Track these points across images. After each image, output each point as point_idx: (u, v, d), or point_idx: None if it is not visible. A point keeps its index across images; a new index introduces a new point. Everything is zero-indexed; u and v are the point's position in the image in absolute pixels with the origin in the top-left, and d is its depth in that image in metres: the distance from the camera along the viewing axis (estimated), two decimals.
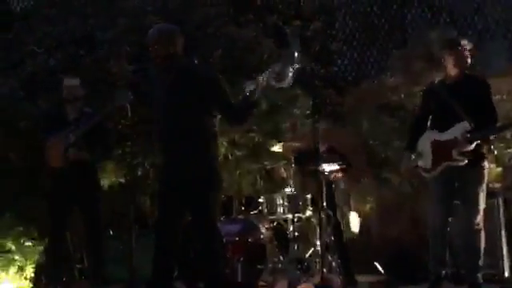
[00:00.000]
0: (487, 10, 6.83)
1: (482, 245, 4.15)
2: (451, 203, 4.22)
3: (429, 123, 4.39)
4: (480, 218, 4.13)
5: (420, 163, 4.31)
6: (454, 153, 4.11)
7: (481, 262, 4.15)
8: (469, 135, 4.09)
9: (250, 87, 3.62)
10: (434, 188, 4.26)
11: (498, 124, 4.25)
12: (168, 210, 3.63)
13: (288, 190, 5.25)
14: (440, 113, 4.25)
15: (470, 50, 4.27)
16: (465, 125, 4.10)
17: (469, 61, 4.27)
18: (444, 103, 4.19)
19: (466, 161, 4.09)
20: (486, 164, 4.22)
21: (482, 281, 4.15)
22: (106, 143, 4.87)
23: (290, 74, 3.57)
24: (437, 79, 4.43)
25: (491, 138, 4.31)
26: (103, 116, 4.77)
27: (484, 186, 4.18)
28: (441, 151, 4.16)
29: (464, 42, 4.28)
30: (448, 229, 4.22)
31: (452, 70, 4.26)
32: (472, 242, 4.15)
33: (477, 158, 4.15)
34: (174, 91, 3.66)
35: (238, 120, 3.77)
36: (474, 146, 4.10)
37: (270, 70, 3.58)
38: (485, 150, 4.22)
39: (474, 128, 4.09)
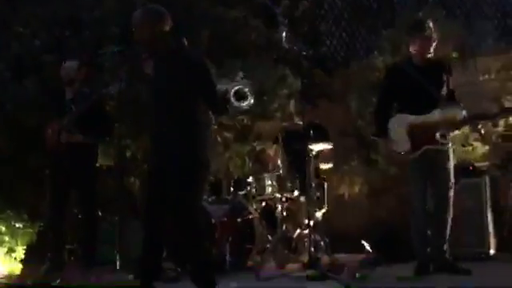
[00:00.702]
0: None
1: (450, 217, 4.16)
2: (427, 182, 4.24)
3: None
4: (451, 194, 4.16)
5: (395, 147, 4.24)
6: (438, 136, 4.11)
7: (448, 239, 4.16)
8: (464, 119, 4.09)
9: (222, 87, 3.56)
10: (412, 169, 4.25)
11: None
12: (154, 194, 3.62)
13: (276, 170, 5.26)
14: (411, 95, 4.18)
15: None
16: (459, 108, 4.11)
17: (434, 44, 4.22)
18: (415, 85, 4.13)
19: (450, 144, 4.11)
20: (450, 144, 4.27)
21: (448, 254, 4.17)
22: (103, 126, 4.87)
23: (250, 95, 3.52)
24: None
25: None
26: (93, 101, 4.78)
27: (452, 165, 4.21)
28: (422, 134, 4.13)
29: (430, 26, 4.21)
30: (427, 207, 4.25)
31: (417, 53, 4.23)
32: (443, 218, 4.15)
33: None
34: (161, 75, 3.63)
35: (219, 111, 3.79)
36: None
37: (230, 89, 3.49)
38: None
39: None
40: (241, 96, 3.51)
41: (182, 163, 3.52)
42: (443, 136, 4.11)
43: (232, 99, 3.51)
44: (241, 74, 3.68)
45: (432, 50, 4.23)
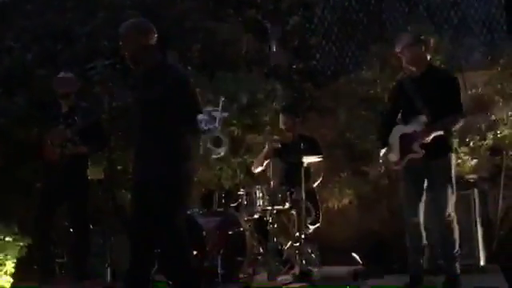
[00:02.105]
0: (463, 5, 6.92)
1: (457, 235, 4.19)
2: (421, 195, 4.25)
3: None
4: (451, 209, 4.15)
5: (390, 157, 4.33)
6: (415, 145, 4.15)
7: (457, 252, 4.19)
8: (426, 128, 4.12)
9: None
10: (404, 181, 4.30)
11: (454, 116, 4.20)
12: (139, 206, 3.60)
13: (267, 183, 5.29)
14: (406, 107, 4.29)
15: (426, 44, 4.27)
16: (422, 118, 4.14)
17: (423, 55, 4.25)
18: (409, 97, 4.23)
19: (423, 152, 4.12)
20: (451, 155, 4.24)
21: (459, 271, 4.20)
22: (101, 137, 4.88)
23: (225, 143, 3.56)
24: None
25: (453, 129, 4.31)
26: (99, 117, 4.79)
27: (452, 178, 4.17)
28: (405, 144, 4.20)
29: (409, 41, 4.25)
30: (421, 220, 4.26)
31: (408, 67, 4.30)
32: (445, 234, 4.18)
33: (440, 149, 4.16)
34: (143, 87, 3.63)
35: (190, 130, 3.51)
36: (431, 138, 4.12)
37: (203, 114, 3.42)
38: (450, 142, 4.27)
39: (436, 120, 4.12)
40: (218, 143, 3.54)
41: (160, 176, 3.49)
42: (420, 146, 4.14)
43: (209, 145, 3.54)
44: (222, 99, 3.66)
45: (425, 61, 4.26)
